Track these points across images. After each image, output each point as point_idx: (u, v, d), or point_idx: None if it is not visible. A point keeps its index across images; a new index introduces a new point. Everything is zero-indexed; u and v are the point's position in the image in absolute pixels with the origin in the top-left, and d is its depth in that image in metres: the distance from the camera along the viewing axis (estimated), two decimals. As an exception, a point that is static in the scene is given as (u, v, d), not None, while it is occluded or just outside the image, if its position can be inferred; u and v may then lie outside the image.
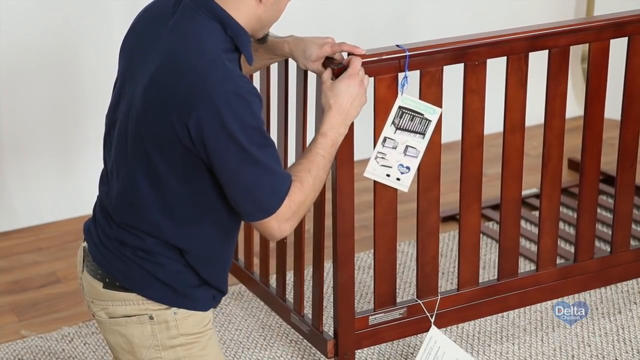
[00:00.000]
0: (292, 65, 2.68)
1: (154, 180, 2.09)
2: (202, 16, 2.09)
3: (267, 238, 2.20)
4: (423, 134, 2.57)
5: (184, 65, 2.03)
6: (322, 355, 3.07)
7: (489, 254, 3.62)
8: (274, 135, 2.87)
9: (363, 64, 2.41)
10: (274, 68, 2.75)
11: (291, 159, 2.76)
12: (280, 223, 2.13)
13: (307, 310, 2.94)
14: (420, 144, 2.57)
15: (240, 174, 2.05)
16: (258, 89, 2.89)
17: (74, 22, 3.79)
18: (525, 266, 3.47)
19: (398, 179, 2.57)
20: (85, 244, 2.23)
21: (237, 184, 2.07)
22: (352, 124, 2.50)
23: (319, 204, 2.65)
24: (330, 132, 2.26)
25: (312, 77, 2.57)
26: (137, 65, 2.12)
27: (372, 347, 3.05)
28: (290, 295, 2.94)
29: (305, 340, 3.14)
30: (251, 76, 2.91)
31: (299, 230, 2.77)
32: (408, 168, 2.57)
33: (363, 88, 2.34)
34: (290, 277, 3.12)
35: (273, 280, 3.06)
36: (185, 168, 2.07)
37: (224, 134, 2.01)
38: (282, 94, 2.76)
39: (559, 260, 3.01)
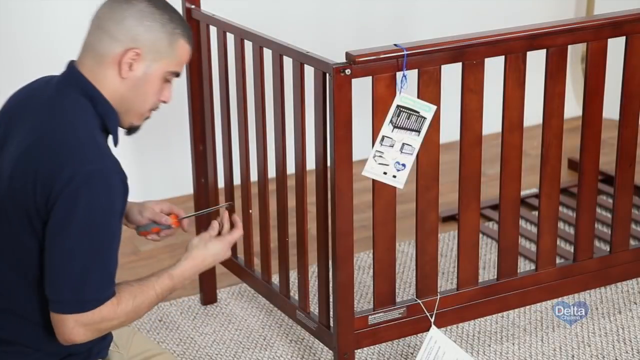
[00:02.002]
0: (288, 63, 2.69)
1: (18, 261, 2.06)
2: (74, 93, 2.08)
3: (58, 337, 2.04)
4: (418, 131, 2.58)
5: (56, 142, 2.00)
6: (322, 355, 3.07)
7: (488, 254, 3.62)
8: (270, 133, 2.88)
9: (361, 62, 2.44)
10: (269, 66, 2.76)
11: (290, 157, 2.76)
12: (76, 325, 2.01)
13: (312, 307, 2.94)
14: (416, 141, 2.57)
15: (74, 256, 1.97)
16: (251, 85, 2.91)
17: None
18: (524, 266, 3.47)
19: (394, 176, 2.58)
20: None
21: (66, 265, 1.98)
22: (351, 124, 2.50)
23: (322, 202, 2.65)
24: (178, 279, 2.18)
25: (310, 76, 2.58)
26: (7, 142, 2.09)
27: (372, 347, 3.05)
28: (293, 293, 2.94)
29: (305, 340, 3.14)
30: (243, 69, 2.92)
31: (301, 229, 2.78)
32: (404, 165, 2.57)
33: (227, 256, 2.30)
34: (292, 274, 3.12)
35: (275, 278, 3.06)
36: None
37: (76, 210, 1.95)
38: (278, 92, 2.76)
39: (558, 260, 3.01)
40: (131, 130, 2.20)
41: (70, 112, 2.06)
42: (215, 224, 2.33)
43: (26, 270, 2.06)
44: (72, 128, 2.03)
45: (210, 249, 2.27)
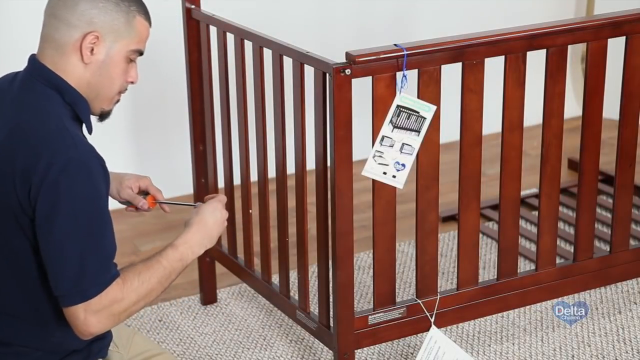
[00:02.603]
0: (288, 63, 2.69)
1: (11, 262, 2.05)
2: (39, 86, 2.07)
3: (77, 333, 2.03)
4: (418, 131, 2.58)
5: (27, 136, 1.99)
6: (322, 356, 3.07)
7: (488, 254, 3.62)
8: (270, 133, 2.88)
9: (361, 62, 2.44)
10: (269, 66, 2.76)
11: (290, 157, 2.76)
12: (87, 314, 1.98)
13: (311, 307, 2.94)
14: (416, 141, 2.57)
15: (68, 245, 1.96)
16: (251, 85, 2.92)
17: None
18: (524, 266, 3.47)
19: (394, 176, 2.58)
20: None
21: (61, 256, 1.97)
22: (351, 124, 2.50)
23: (322, 202, 2.65)
24: (183, 246, 2.14)
25: (310, 76, 2.58)
26: None
27: (372, 347, 3.05)
28: (293, 293, 2.94)
29: (305, 340, 3.14)
30: (243, 69, 2.92)
31: (301, 229, 2.78)
32: (403, 165, 2.57)
33: (225, 216, 2.27)
34: (292, 274, 3.12)
35: (275, 278, 3.06)
36: (37, 244, 2.01)
37: (60, 199, 1.94)
38: (278, 92, 2.76)
39: (558, 260, 3.01)
40: (103, 116, 2.17)
41: (39, 105, 2.04)
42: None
43: (18, 269, 2.06)
44: (43, 120, 2.02)
45: (204, 212, 2.23)
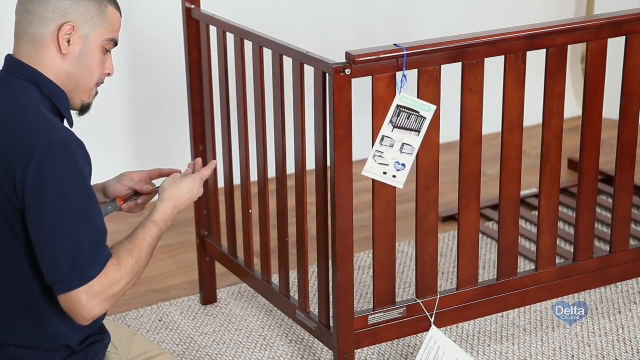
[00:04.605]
0: (288, 63, 2.69)
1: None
2: (16, 80, 2.08)
3: (74, 318, 2.02)
4: (418, 131, 2.58)
5: (6, 126, 2.00)
6: (322, 356, 3.07)
7: (488, 254, 3.62)
8: (270, 133, 2.88)
9: (361, 62, 2.44)
10: (269, 66, 2.76)
11: (290, 158, 2.76)
12: (90, 298, 1.98)
13: (311, 307, 2.94)
14: (416, 141, 2.58)
15: (61, 228, 1.96)
16: (251, 85, 2.92)
17: None
18: (524, 266, 3.47)
19: (394, 176, 2.58)
20: None
21: (55, 241, 1.96)
22: (351, 124, 2.50)
23: (322, 202, 2.65)
24: (162, 222, 2.18)
25: (310, 76, 2.58)
26: None
27: (372, 347, 3.05)
28: (293, 293, 2.94)
29: (305, 340, 3.14)
30: (243, 69, 2.92)
31: (301, 229, 2.78)
32: (404, 165, 2.57)
33: (200, 194, 2.31)
34: (292, 274, 3.12)
35: (275, 278, 3.06)
36: (27, 236, 2.01)
37: (47, 184, 1.95)
38: (278, 92, 2.76)
39: (558, 260, 3.01)
40: (83, 110, 2.18)
41: (16, 97, 2.05)
42: (188, 167, 2.36)
43: (6, 265, 2.05)
44: (20, 109, 2.02)
45: (183, 187, 2.26)
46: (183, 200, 2.26)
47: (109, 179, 2.38)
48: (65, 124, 2.13)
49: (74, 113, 2.18)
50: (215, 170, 3.19)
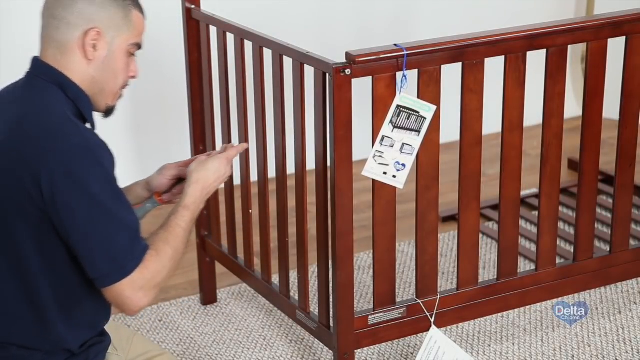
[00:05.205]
0: (288, 63, 2.69)
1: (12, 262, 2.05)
2: (41, 82, 2.09)
3: (124, 311, 2.08)
4: (418, 131, 2.58)
5: (31, 127, 2.01)
6: (322, 356, 3.07)
7: (488, 254, 3.62)
8: (270, 133, 2.88)
9: (361, 62, 2.44)
10: (269, 66, 2.76)
11: (290, 157, 2.76)
12: (134, 291, 2.03)
13: (311, 307, 2.94)
14: (416, 141, 2.58)
15: (95, 227, 1.99)
16: (251, 85, 2.92)
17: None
18: (524, 266, 3.47)
19: (394, 176, 2.58)
20: None
21: (91, 240, 2.00)
22: (351, 124, 2.51)
23: (322, 202, 2.65)
24: (193, 205, 2.21)
25: (310, 76, 2.58)
26: None
27: (372, 347, 3.05)
28: (293, 293, 2.94)
29: (305, 340, 3.14)
30: (243, 69, 2.92)
31: (301, 229, 2.78)
32: (404, 165, 2.57)
33: (229, 170, 2.33)
34: (292, 274, 3.12)
35: (275, 278, 3.06)
36: (41, 237, 2.03)
37: (74, 187, 1.97)
38: (278, 92, 2.76)
39: (558, 260, 3.01)
40: (108, 112, 2.20)
41: (41, 99, 2.06)
42: (219, 150, 2.38)
43: (17, 265, 2.05)
44: (46, 112, 2.04)
45: (209, 168, 2.28)
46: (211, 182, 2.28)
47: (150, 175, 2.42)
48: (87, 126, 2.15)
49: (98, 115, 2.19)
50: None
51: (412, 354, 3.05)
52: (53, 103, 2.06)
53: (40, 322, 2.09)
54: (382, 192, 2.62)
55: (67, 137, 1.99)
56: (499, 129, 2.76)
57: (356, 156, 2.56)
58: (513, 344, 3.09)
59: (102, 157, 2.01)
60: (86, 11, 2.08)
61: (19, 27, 3.78)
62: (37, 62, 2.13)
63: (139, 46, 2.18)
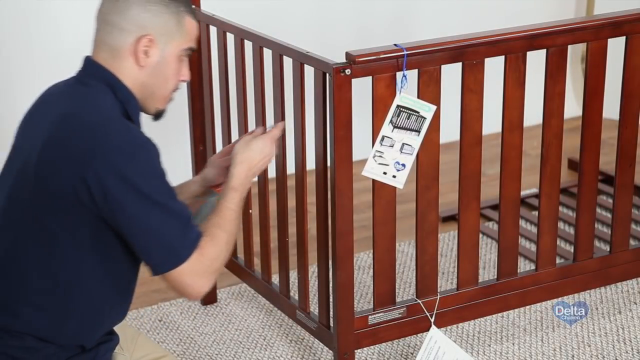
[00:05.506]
0: (288, 63, 2.69)
1: (45, 249, 2.06)
2: (93, 81, 2.11)
3: (183, 296, 2.12)
4: (418, 131, 2.58)
5: (80, 122, 2.03)
6: (322, 356, 3.07)
7: (488, 254, 3.62)
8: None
9: (361, 62, 2.44)
10: (269, 66, 2.76)
11: (290, 157, 2.76)
12: (193, 278, 2.07)
13: (311, 307, 2.94)
14: (416, 141, 2.58)
15: (146, 220, 2.02)
16: (251, 85, 2.92)
17: None
18: (524, 266, 3.47)
19: (394, 176, 2.58)
20: None
21: (145, 232, 2.03)
22: (351, 124, 2.51)
23: (322, 202, 2.65)
24: (241, 187, 2.25)
25: (310, 76, 2.58)
26: (28, 137, 2.11)
27: (372, 347, 3.05)
28: (293, 293, 2.94)
29: (305, 340, 3.14)
30: (243, 69, 2.92)
31: (301, 229, 2.78)
32: (403, 165, 2.57)
33: (274, 149, 2.36)
34: (292, 274, 3.12)
35: (275, 278, 3.06)
36: (77, 233, 2.04)
37: (124, 183, 1.99)
38: (278, 92, 2.76)
39: (558, 260, 3.01)
40: (158, 115, 2.23)
41: (91, 96, 2.08)
42: (259, 129, 2.41)
43: (47, 257, 2.06)
44: (97, 109, 2.06)
45: (254, 148, 2.32)
46: (256, 161, 2.31)
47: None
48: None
49: (148, 118, 2.21)
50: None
51: (412, 354, 3.05)
52: (102, 101, 2.07)
53: (62, 316, 2.10)
54: (382, 192, 2.62)
55: (115, 135, 2.01)
56: (499, 129, 2.76)
57: (356, 156, 2.56)
58: (513, 344, 3.09)
59: (151, 153, 2.04)
60: (139, 18, 2.10)
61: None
62: (89, 62, 2.14)
63: (192, 50, 2.19)
